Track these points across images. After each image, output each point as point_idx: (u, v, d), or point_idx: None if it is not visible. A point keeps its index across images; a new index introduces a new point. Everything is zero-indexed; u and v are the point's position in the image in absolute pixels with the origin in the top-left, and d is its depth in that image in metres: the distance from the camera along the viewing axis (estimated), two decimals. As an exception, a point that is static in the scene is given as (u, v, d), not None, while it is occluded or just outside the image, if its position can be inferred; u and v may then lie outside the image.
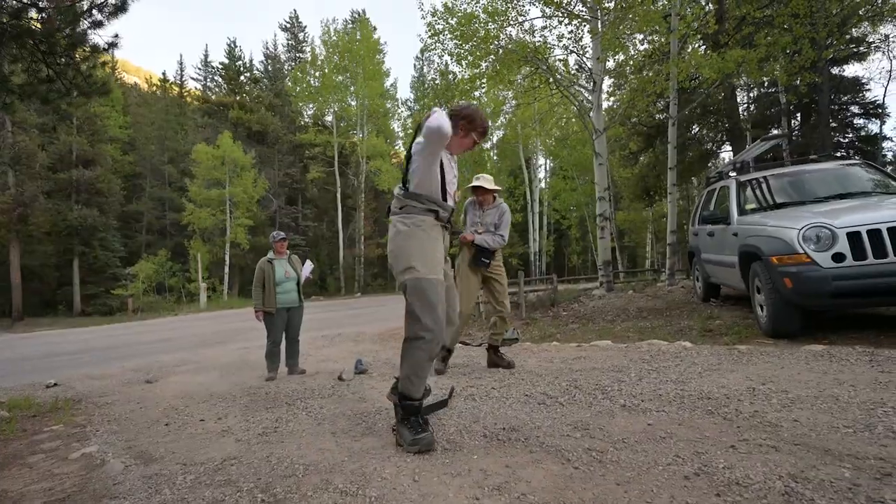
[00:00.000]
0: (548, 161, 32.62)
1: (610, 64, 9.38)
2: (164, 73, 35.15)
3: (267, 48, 34.08)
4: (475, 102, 10.67)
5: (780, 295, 3.76)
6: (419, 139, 2.09)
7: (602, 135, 8.78)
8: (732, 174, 5.86)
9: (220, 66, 29.69)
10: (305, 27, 36.18)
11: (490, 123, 2.34)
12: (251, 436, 2.55)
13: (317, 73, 26.52)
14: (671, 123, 9.38)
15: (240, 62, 29.40)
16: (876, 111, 20.78)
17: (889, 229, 3.34)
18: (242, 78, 29.93)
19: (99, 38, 4.36)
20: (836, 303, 3.52)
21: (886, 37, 16.77)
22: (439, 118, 1.89)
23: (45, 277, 22.89)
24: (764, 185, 5.10)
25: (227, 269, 21.35)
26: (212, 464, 2.10)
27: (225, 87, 27.16)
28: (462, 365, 4.36)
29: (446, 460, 1.89)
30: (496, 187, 3.79)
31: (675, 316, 6.00)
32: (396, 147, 29.39)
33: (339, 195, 26.88)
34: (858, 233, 3.41)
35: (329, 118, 27.99)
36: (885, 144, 21.36)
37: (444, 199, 2.19)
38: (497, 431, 2.19)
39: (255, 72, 32.81)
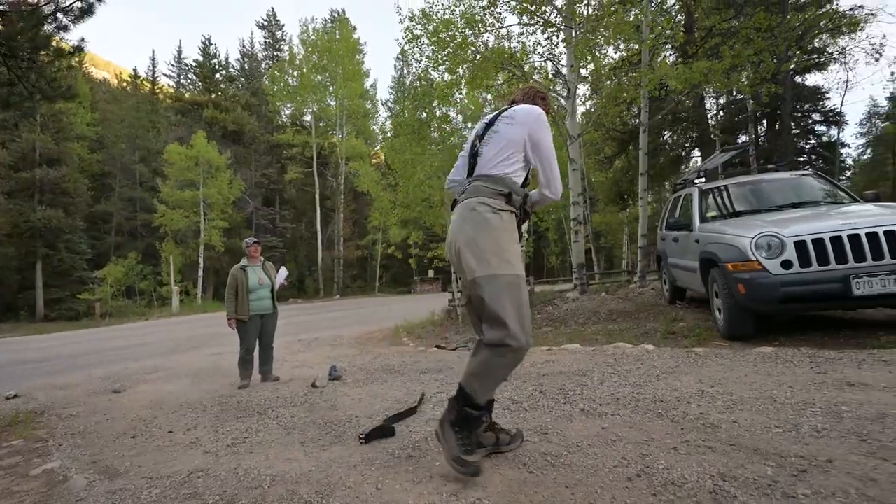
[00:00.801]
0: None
1: (585, 72, 9.60)
2: (135, 69, 34.06)
3: (244, 46, 33.51)
4: (455, 106, 10.86)
5: (734, 300, 3.97)
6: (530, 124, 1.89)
7: (576, 141, 8.99)
8: (699, 181, 6.11)
9: (194, 64, 29.01)
10: (283, 26, 35.67)
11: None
12: (220, 447, 2.57)
13: (295, 73, 26.22)
14: (642, 130, 9.68)
15: (215, 60, 28.78)
16: (835, 119, 21.90)
17: (831, 238, 3.57)
18: (218, 76, 29.31)
19: (64, 41, 4.27)
20: (785, 307, 3.74)
21: (844, 49, 17.62)
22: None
23: (5, 281, 21.95)
24: (724, 194, 5.35)
25: (201, 272, 20.88)
26: (178, 477, 2.12)
27: (199, 86, 26.53)
28: (435, 370, 4.44)
29: (409, 468, 1.97)
30: None
31: (642, 318, 6.22)
32: (376, 148, 29.29)
33: (317, 196, 26.62)
34: (804, 241, 3.64)
35: (308, 118, 27.70)
36: (844, 150, 22.49)
37: None
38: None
39: (231, 70, 32.18)
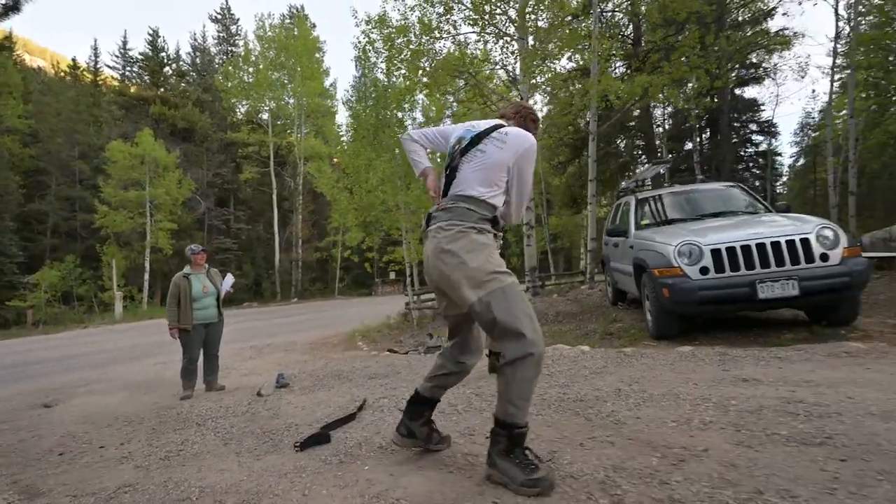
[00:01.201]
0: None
1: (539, 79, 9.94)
2: (74, 59, 31.80)
3: (195, 39, 32.07)
4: (412, 110, 10.96)
5: (660, 303, 4.30)
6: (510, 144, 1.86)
7: (527, 148, 9.32)
8: (646, 189, 6.51)
9: (140, 57, 27.48)
10: (238, 20, 34.43)
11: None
12: (153, 461, 2.56)
13: (251, 69, 25.44)
14: (591, 139, 10.14)
15: (163, 54, 27.40)
16: (769, 129, 23.74)
17: (741, 247, 3.95)
18: (168, 70, 27.91)
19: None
20: (703, 309, 4.09)
21: (775, 65, 19.11)
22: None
23: (-78, 286, 20.01)
24: (658, 203, 5.73)
25: (146, 276, 19.87)
26: (104, 493, 2.11)
27: (146, 80, 25.17)
28: (383, 375, 4.52)
29: (338, 472, 2.05)
30: None
31: (586, 320, 6.54)
32: (337, 149, 28.91)
33: (274, 197, 25.95)
34: (720, 249, 4.00)
35: (265, 116, 26.95)
36: (778, 158, 24.39)
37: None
38: (391, 442, 2.38)
39: (182, 64, 30.76)
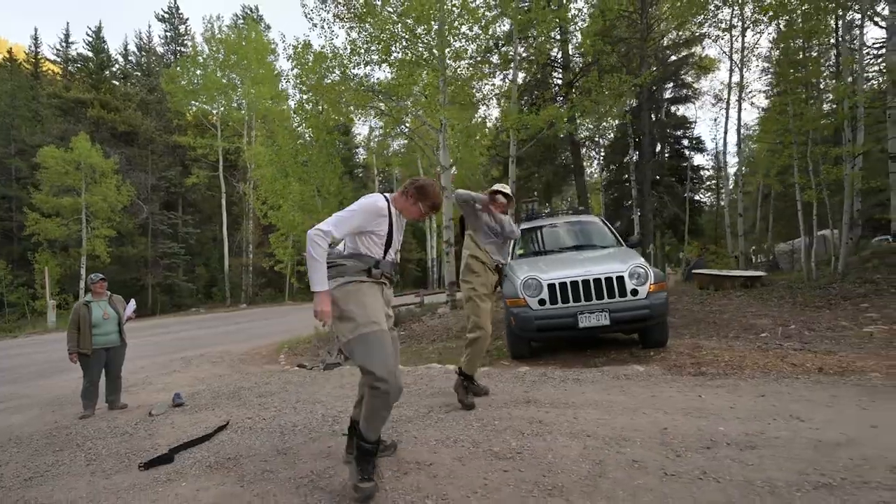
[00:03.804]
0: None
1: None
2: (10, 50, 30.14)
3: (140, 39, 31.11)
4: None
5: (510, 328, 5.02)
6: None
7: (448, 170, 10.00)
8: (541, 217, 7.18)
9: (78, 56, 26.42)
10: (188, 19, 33.57)
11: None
12: (17, 482, 2.98)
13: (199, 72, 25.03)
14: (511, 161, 10.95)
15: (103, 55, 26.46)
16: (697, 146, 25.70)
17: (571, 283, 4.72)
18: (114, 69, 26.91)
19: None
20: (541, 335, 4.85)
21: (696, 90, 20.68)
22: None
23: None
24: (534, 234, 6.48)
25: (82, 284, 19.32)
26: (-43, 512, 2.55)
27: (86, 82, 24.25)
28: (271, 394, 5.02)
29: (159, 489, 2.58)
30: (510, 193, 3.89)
31: (480, 335, 7.24)
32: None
33: (223, 201, 25.66)
34: (554, 284, 4.76)
35: (214, 119, 26.56)
36: (704, 174, 26.40)
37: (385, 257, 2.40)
38: (223, 461, 2.92)
39: (127, 63, 29.78)
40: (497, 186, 3.84)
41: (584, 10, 13.36)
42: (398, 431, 3.05)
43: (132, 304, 5.59)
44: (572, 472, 2.20)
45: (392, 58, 8.56)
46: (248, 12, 32.01)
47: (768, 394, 3.15)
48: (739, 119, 11.61)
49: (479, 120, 10.13)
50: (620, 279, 4.68)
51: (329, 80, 8.48)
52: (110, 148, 21.64)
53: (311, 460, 2.73)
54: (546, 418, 3.03)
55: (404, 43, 8.47)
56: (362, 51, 9.02)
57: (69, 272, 19.17)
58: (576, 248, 5.95)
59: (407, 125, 9.70)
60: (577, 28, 12.77)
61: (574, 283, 4.71)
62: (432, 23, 8.76)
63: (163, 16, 30.53)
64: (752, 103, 27.70)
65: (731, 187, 14.53)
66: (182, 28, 31.31)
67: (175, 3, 30.63)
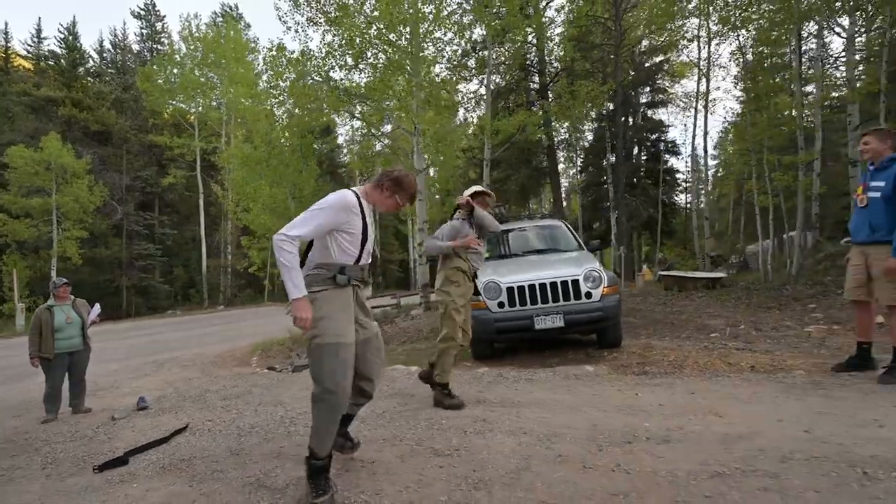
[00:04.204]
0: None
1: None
2: (-22, 45, 29.12)
3: (115, 36, 30.45)
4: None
5: (473, 331, 5.18)
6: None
7: (422, 173, 10.14)
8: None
9: (49, 53, 25.71)
10: (164, 17, 32.96)
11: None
12: (-30, 486, 3.02)
13: (175, 70, 24.65)
14: (485, 164, 11.15)
15: (76, 52, 25.83)
16: (672, 149, 26.39)
17: (528, 286, 4.91)
18: (81, 69, 26.20)
19: None
20: (501, 336, 5.03)
21: (669, 95, 21.27)
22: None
23: None
24: (503, 237, 6.66)
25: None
26: None
27: (59, 80, 23.63)
28: (235, 396, 5.08)
29: (111, 490, 2.67)
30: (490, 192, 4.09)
31: (450, 337, 7.40)
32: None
33: (201, 202, 25.33)
34: (513, 287, 4.94)
35: (192, 119, 26.17)
36: (679, 176, 27.16)
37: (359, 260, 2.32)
38: (177, 462, 3.01)
39: (102, 61, 29.09)
40: (473, 189, 3.96)
41: (558, 19, 13.69)
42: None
43: (97, 308, 5.59)
44: (500, 467, 2.37)
45: (364, 63, 8.66)
46: (228, 10, 31.64)
47: (698, 391, 3.38)
48: (706, 126, 12.06)
49: (459, 124, 10.28)
50: (575, 282, 4.88)
51: (302, 84, 8.52)
52: (83, 147, 21.17)
53: (262, 460, 2.84)
54: (491, 417, 3.20)
55: (377, 48, 8.57)
56: (337, 54, 9.10)
57: (39, 274, 18.73)
58: (539, 252, 6.15)
59: (381, 129, 9.80)
60: (549, 36, 13.06)
61: (531, 287, 4.90)
62: (402, 28, 8.88)
63: (139, 13, 29.97)
64: (713, 112, 28.65)
65: (699, 191, 15.03)
66: (159, 25, 30.79)
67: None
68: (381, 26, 8.29)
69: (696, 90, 13.77)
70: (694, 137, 14.05)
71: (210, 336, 13.66)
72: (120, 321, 21.89)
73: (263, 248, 17.16)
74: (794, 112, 7.91)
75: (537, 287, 4.89)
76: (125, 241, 23.50)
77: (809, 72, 9.84)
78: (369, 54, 8.36)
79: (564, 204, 28.21)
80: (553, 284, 4.88)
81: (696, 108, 13.62)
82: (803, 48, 10.85)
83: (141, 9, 29.88)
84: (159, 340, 13.69)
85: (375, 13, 8.16)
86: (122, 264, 22.82)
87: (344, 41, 8.12)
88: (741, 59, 10.53)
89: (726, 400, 3.13)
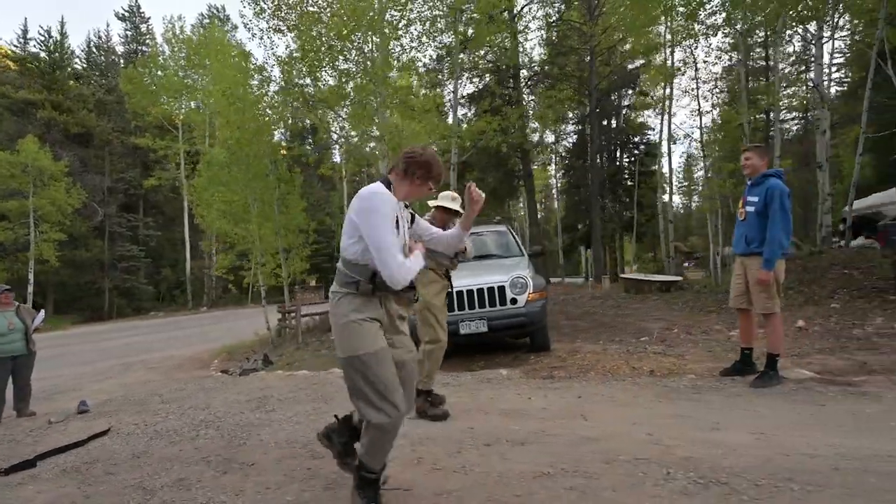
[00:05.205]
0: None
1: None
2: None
3: (99, 37, 30.38)
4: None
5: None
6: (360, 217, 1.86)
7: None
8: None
9: (29, 55, 25.58)
10: (149, 18, 32.90)
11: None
12: None
13: (159, 73, 24.66)
14: (451, 169, 11.32)
15: (56, 54, 25.75)
16: (652, 152, 26.66)
17: (457, 292, 5.07)
18: (69, 71, 26.10)
19: None
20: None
21: (645, 98, 21.52)
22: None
23: None
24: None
25: (30, 289, 18.92)
26: None
27: (39, 82, 23.53)
28: (173, 400, 5.21)
29: (7, 493, 2.81)
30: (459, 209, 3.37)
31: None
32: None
33: (185, 204, 25.36)
34: (461, 292, 5.09)
35: (176, 120, 26.20)
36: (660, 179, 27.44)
37: None
38: (80, 465, 3.16)
39: (89, 63, 29.00)
40: (441, 202, 3.45)
41: (532, 24, 13.87)
42: (241, 435, 3.34)
43: (41, 314, 5.74)
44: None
45: (327, 70, 8.81)
46: (215, 12, 31.65)
47: (585, 395, 3.56)
48: (669, 129, 12.29)
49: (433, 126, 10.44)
50: (501, 289, 5.06)
51: (261, 91, 8.67)
52: (62, 150, 21.17)
53: (157, 463, 3.00)
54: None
55: (336, 54, 8.71)
56: (299, 62, 9.26)
57: (16, 276, 18.76)
58: (480, 258, 6.32)
59: (336, 133, 9.95)
60: (522, 42, 13.23)
61: (459, 293, 5.06)
62: (364, 35, 9.04)
63: (123, 14, 29.91)
64: (674, 114, 29.16)
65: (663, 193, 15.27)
66: (143, 27, 30.74)
67: (136, 1, 30.06)
68: (344, 30, 8.39)
69: (661, 94, 13.97)
70: (660, 142, 14.27)
71: (185, 338, 13.77)
72: (100, 323, 21.97)
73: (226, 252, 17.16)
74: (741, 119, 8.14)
75: (465, 293, 5.07)
76: (107, 243, 23.51)
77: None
78: (325, 63, 8.49)
79: (541, 206, 28.46)
80: (480, 291, 5.06)
81: (662, 112, 13.83)
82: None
83: (125, 10, 29.86)
84: (134, 342, 13.79)
85: (328, 25, 8.29)
86: (104, 266, 22.84)
87: (304, 49, 8.25)
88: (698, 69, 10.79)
89: (603, 404, 3.31)
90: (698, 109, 11.22)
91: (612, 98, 25.58)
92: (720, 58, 9.97)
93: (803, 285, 7.10)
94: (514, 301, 5.05)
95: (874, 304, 6.07)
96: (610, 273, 13.22)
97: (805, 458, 2.17)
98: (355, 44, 8.95)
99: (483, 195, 2.08)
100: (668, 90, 13.46)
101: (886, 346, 4.34)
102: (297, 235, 10.24)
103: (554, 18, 16.75)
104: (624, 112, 26.90)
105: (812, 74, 12.09)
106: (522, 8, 14.95)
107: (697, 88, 12.62)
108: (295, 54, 9.08)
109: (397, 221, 1.90)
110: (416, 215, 2.19)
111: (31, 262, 18.44)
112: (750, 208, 3.46)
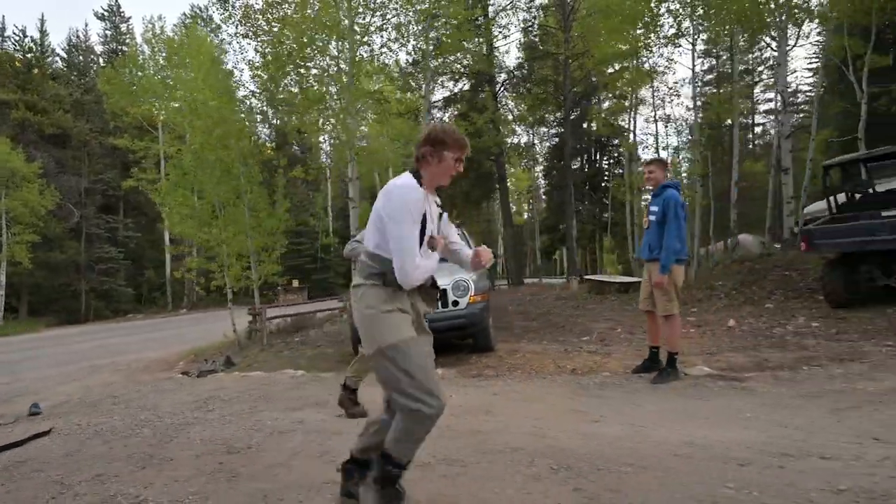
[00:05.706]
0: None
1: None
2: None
3: (77, 36, 30.06)
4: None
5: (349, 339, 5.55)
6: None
7: (356, 181, 10.49)
8: None
9: (3, 56, 25.24)
10: (129, 18, 32.55)
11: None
12: None
13: (139, 73, 24.48)
14: (422, 173, 11.52)
15: (33, 53, 25.45)
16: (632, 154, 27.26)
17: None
18: (46, 72, 25.79)
19: None
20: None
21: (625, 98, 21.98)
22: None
23: None
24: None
25: (2, 292, 18.74)
26: None
27: (13, 82, 23.21)
28: (123, 402, 5.34)
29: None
30: None
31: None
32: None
33: (164, 205, 25.21)
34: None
35: (156, 121, 26.02)
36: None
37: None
38: (10, 465, 3.30)
39: (70, 62, 28.68)
40: None
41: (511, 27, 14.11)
42: (171, 434, 3.51)
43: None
44: (267, 460, 2.73)
45: (292, 76, 8.96)
46: (197, 12, 31.43)
47: (502, 393, 3.79)
48: (634, 132, 12.62)
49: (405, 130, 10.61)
50: (444, 292, 5.27)
51: (225, 98, 8.78)
52: (37, 150, 20.97)
53: (84, 460, 3.16)
54: (309, 418, 3.56)
55: (303, 60, 8.87)
56: (269, 66, 9.39)
57: (-11, 278, 18.59)
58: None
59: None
60: (497, 46, 13.47)
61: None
62: (334, 40, 9.21)
63: (102, 14, 29.62)
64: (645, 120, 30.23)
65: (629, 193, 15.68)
66: (123, 27, 30.47)
67: (116, 0, 29.79)
68: (305, 38, 8.55)
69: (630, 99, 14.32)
70: (635, 145, 14.65)
71: (158, 340, 13.76)
72: (76, 325, 21.77)
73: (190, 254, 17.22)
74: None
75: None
76: (84, 245, 23.30)
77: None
78: (289, 68, 8.64)
79: (529, 207, 28.87)
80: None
81: (629, 114, 14.19)
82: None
83: (105, 10, 29.57)
84: (107, 344, 13.74)
85: (293, 35, 8.44)
86: (80, 268, 22.63)
87: (265, 55, 8.40)
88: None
89: (514, 400, 3.54)
90: (658, 116, 11.57)
91: (593, 101, 26.03)
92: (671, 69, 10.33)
93: (745, 286, 7.44)
94: (455, 303, 5.27)
95: (805, 304, 6.41)
96: (580, 274, 13.56)
97: (656, 445, 2.42)
98: (320, 48, 9.11)
99: (492, 258, 2.03)
100: (635, 97, 13.80)
101: (795, 344, 4.64)
102: (266, 237, 10.37)
103: (530, 24, 17.01)
104: (602, 115, 27.39)
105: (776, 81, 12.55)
106: (497, 14, 15.24)
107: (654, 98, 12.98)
108: (260, 60, 9.22)
109: (424, 216, 1.77)
110: (446, 214, 2.03)
111: (3, 265, 18.26)
112: (652, 217, 3.72)
